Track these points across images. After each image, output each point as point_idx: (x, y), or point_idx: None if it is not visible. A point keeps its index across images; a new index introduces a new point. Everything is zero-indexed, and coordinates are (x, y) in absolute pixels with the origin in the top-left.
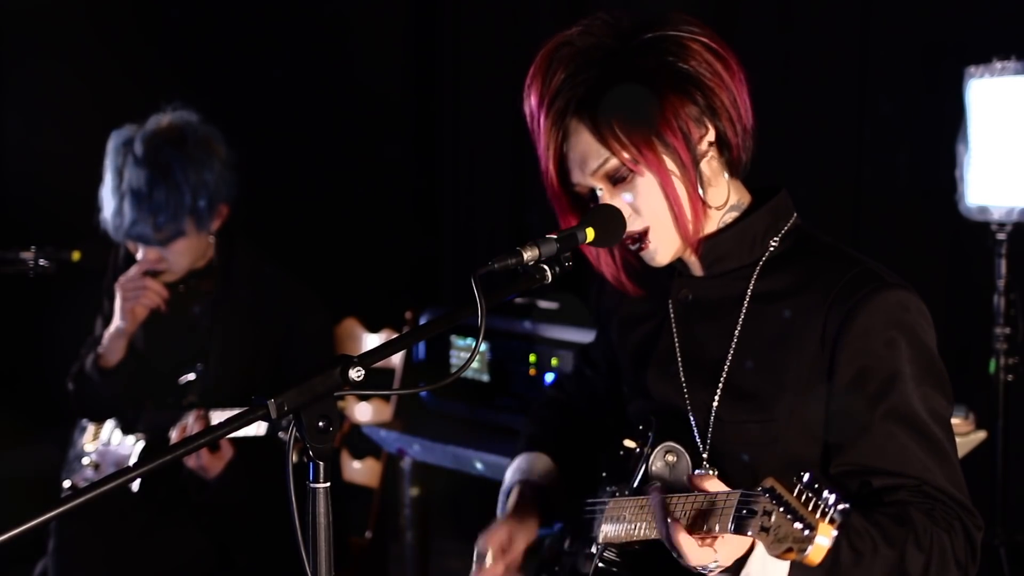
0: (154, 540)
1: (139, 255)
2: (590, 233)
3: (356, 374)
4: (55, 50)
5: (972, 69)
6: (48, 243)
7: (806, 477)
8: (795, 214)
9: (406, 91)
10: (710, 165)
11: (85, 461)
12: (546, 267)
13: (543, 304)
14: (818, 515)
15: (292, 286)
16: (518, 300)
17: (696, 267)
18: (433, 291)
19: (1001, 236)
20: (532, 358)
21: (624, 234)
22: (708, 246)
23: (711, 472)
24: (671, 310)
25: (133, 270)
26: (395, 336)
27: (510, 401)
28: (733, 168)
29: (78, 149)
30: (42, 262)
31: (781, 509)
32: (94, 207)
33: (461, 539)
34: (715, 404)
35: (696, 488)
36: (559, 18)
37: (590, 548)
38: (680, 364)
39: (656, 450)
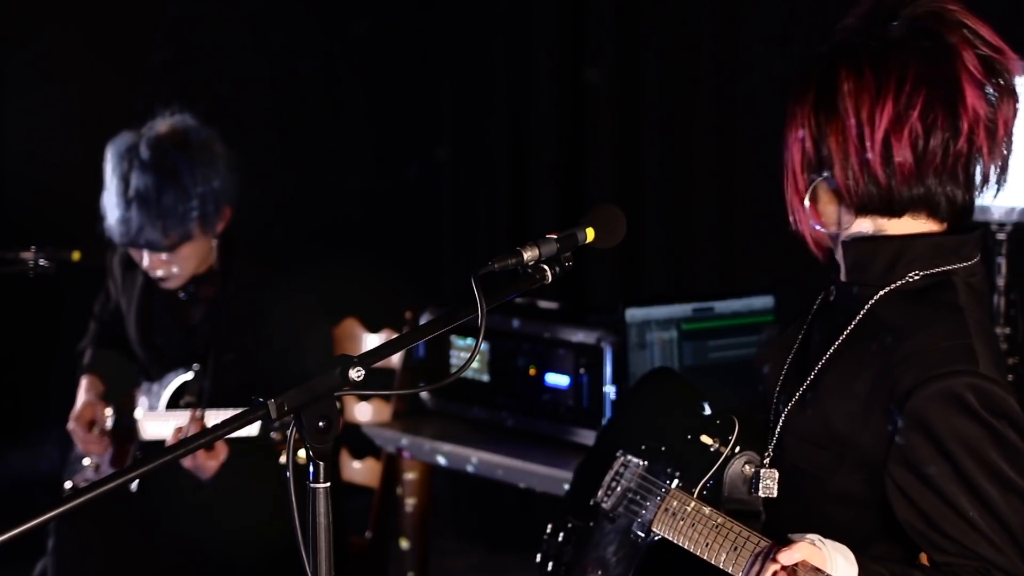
0: (153, 540)
1: (144, 262)
2: (590, 233)
3: (356, 374)
4: (56, 50)
5: None
6: (48, 243)
7: None
8: (970, 262)
9: (406, 90)
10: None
11: (86, 461)
12: (546, 267)
13: (543, 304)
14: None
15: (291, 290)
16: (518, 300)
17: (844, 272)
18: (433, 291)
19: (1001, 236)
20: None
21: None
22: (845, 249)
23: (773, 473)
24: (815, 304)
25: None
26: (395, 336)
27: (510, 401)
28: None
29: (78, 150)
30: (42, 262)
31: None
32: (94, 207)
33: (461, 539)
34: (787, 409)
35: (785, 553)
36: (555, 20)
37: (638, 530)
38: (791, 357)
39: (739, 454)
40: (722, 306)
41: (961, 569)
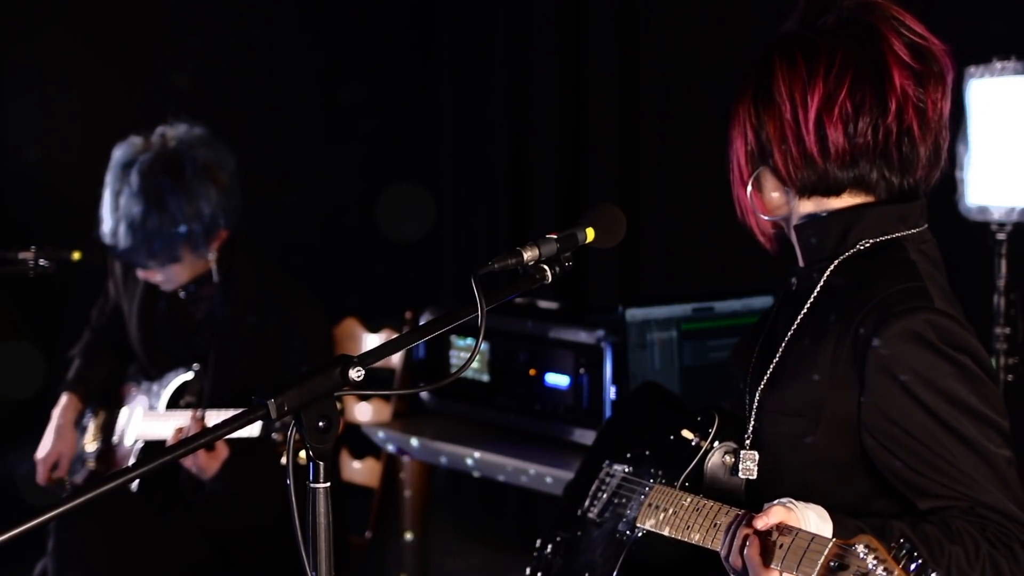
0: (153, 540)
1: (138, 270)
2: (590, 233)
3: (356, 374)
4: (56, 50)
5: (972, 69)
6: (48, 243)
7: (907, 546)
8: (918, 229)
9: (406, 91)
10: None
11: (86, 459)
12: (546, 267)
13: (543, 304)
14: None
15: (292, 290)
16: (518, 300)
17: (800, 257)
18: (433, 291)
19: (1001, 236)
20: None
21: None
22: (798, 233)
23: (753, 455)
24: (779, 298)
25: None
26: (395, 336)
27: (510, 401)
28: (796, 188)
29: (78, 150)
30: (42, 262)
31: (881, 574)
32: (94, 207)
33: (461, 539)
34: (760, 388)
35: (759, 519)
36: (555, 20)
37: (624, 528)
38: (759, 345)
39: (717, 446)
40: (722, 306)
41: (947, 513)
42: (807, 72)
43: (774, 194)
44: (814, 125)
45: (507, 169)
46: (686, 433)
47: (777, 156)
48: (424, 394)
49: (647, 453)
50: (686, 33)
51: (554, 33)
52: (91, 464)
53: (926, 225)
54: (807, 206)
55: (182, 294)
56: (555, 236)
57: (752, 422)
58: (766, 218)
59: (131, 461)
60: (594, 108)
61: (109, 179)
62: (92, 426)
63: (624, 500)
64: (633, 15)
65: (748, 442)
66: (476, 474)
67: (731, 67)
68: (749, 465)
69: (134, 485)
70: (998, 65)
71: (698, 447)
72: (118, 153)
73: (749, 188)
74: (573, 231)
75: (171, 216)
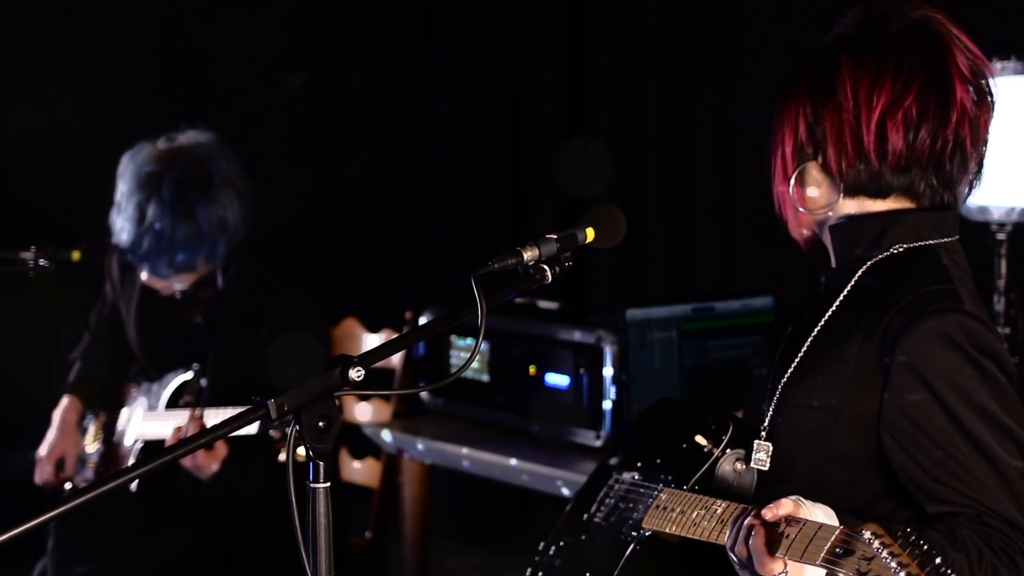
0: (153, 540)
1: (143, 276)
2: (590, 233)
3: (356, 374)
4: (56, 50)
5: None
6: (48, 243)
7: (913, 535)
8: (951, 238)
9: (406, 91)
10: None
11: (88, 456)
12: (546, 267)
13: (543, 304)
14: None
15: (289, 290)
16: (518, 300)
17: (832, 256)
18: (433, 291)
19: (1001, 236)
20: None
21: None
22: (832, 232)
23: (767, 446)
24: (807, 296)
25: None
26: (395, 336)
27: (510, 401)
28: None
29: (79, 149)
30: (42, 262)
31: (886, 557)
32: (95, 207)
33: (461, 539)
34: (783, 382)
35: (770, 511)
36: (555, 20)
37: (628, 530)
38: (784, 342)
39: (729, 453)
40: (722, 306)
41: (954, 520)
42: (875, 73)
43: (817, 191)
44: (876, 126)
45: (507, 169)
46: (699, 439)
47: (831, 151)
48: (424, 394)
49: (658, 462)
50: (686, 33)
51: (554, 32)
52: (92, 465)
53: (958, 236)
54: (849, 206)
55: (179, 295)
56: (555, 236)
57: (770, 414)
58: (803, 211)
59: (131, 461)
60: (594, 108)
61: (131, 186)
62: (92, 427)
63: (632, 505)
64: (634, 15)
65: (764, 434)
66: (475, 474)
67: (731, 67)
68: (762, 456)
69: (134, 485)
70: (998, 65)
71: (710, 453)
72: (133, 163)
73: (792, 182)
74: (573, 231)
75: (198, 230)
